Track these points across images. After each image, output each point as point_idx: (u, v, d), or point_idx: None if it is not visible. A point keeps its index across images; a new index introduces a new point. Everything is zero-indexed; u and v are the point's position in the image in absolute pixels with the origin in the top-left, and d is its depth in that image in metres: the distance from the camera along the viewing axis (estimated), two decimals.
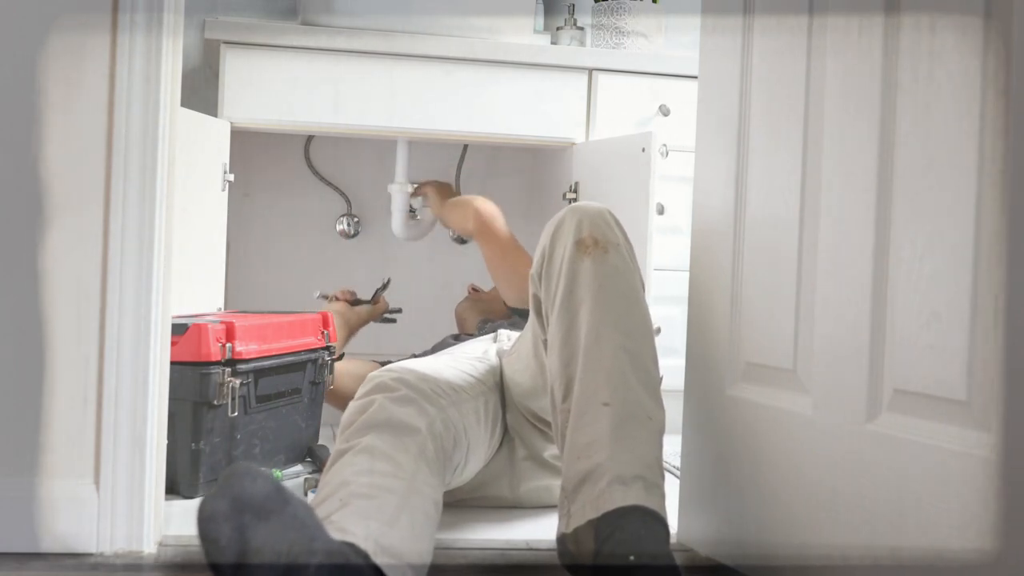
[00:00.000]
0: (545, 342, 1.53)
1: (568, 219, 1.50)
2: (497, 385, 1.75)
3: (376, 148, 2.79)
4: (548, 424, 1.75)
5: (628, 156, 2.21)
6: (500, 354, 1.86)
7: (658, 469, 1.36)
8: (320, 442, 2.16)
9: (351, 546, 1.20)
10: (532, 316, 1.58)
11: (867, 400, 1.26)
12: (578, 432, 1.38)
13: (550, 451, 1.80)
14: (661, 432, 1.41)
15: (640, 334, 1.44)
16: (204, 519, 1.09)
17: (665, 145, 2.11)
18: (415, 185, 2.62)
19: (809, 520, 1.35)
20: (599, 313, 1.43)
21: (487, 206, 2.31)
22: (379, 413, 1.44)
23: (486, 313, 2.45)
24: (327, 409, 2.22)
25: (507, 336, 2.06)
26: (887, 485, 1.22)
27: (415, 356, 2.25)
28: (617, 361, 1.40)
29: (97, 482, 1.46)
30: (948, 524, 1.13)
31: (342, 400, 2.27)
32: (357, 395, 1.52)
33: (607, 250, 1.46)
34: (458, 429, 1.53)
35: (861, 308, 1.27)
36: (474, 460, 1.64)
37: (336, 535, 1.19)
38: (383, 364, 2.34)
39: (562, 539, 1.38)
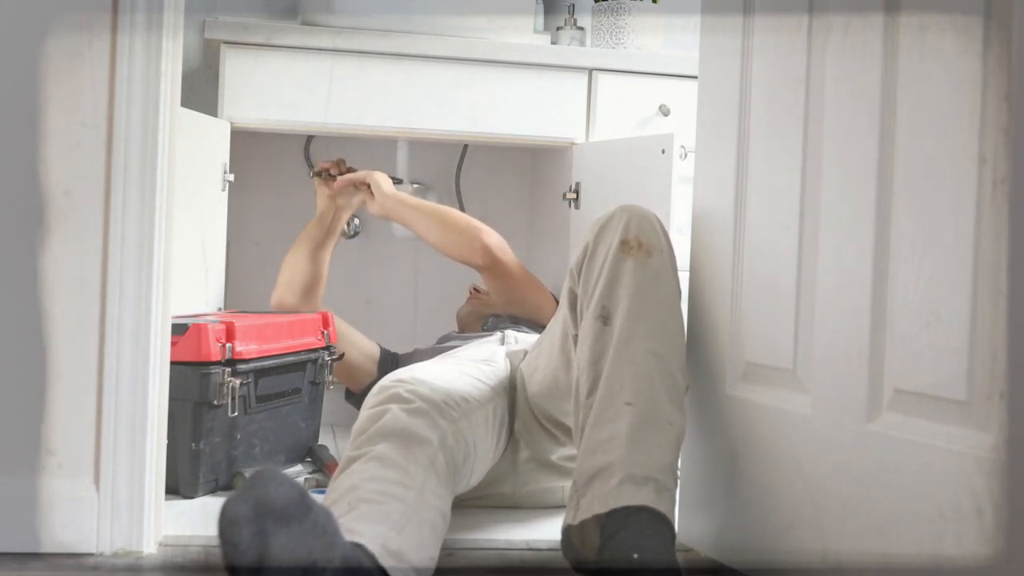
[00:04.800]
0: (575, 337, 1.53)
1: (616, 218, 1.51)
2: (505, 389, 1.75)
3: (376, 148, 2.78)
4: (560, 427, 1.75)
5: (643, 157, 2.21)
6: (510, 356, 1.86)
7: (671, 474, 1.37)
8: (320, 442, 2.16)
9: (360, 547, 1.20)
10: (565, 310, 1.58)
11: (867, 400, 1.26)
12: (598, 428, 1.39)
13: (558, 454, 1.80)
14: (679, 439, 1.42)
15: (672, 341, 1.46)
16: (226, 522, 1.08)
17: (684, 147, 2.11)
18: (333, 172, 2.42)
19: (809, 520, 1.35)
20: (635, 316, 1.44)
21: (494, 238, 2.26)
22: (392, 423, 1.45)
23: (488, 316, 2.45)
24: (327, 409, 2.22)
25: (515, 338, 2.06)
26: (887, 485, 1.22)
27: (418, 350, 2.25)
28: (645, 364, 1.41)
29: (97, 482, 1.46)
30: (947, 524, 1.13)
31: (340, 369, 2.27)
32: (370, 403, 1.52)
33: (650, 254, 1.47)
34: (468, 442, 1.54)
35: (861, 308, 1.27)
36: (480, 468, 1.64)
37: (345, 536, 1.20)
38: (384, 351, 2.35)
39: (567, 531, 1.38)
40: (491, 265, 2.25)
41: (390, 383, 1.55)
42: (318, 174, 2.42)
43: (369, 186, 2.36)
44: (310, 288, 2.32)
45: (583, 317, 1.50)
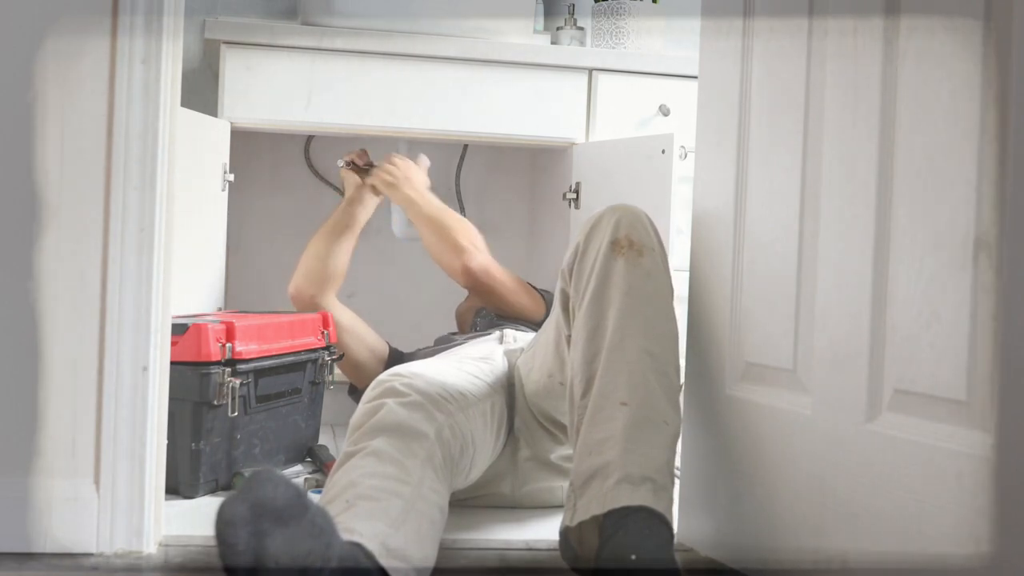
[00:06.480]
0: (569, 338, 1.53)
1: (606, 218, 1.51)
2: (503, 387, 1.75)
3: (376, 148, 2.78)
4: (559, 426, 1.76)
5: (643, 157, 2.21)
6: (508, 354, 1.86)
7: (668, 473, 1.37)
8: (320, 442, 2.16)
9: (359, 547, 1.20)
10: (558, 311, 1.58)
11: (867, 400, 1.26)
12: (593, 428, 1.39)
13: (557, 453, 1.80)
14: (676, 438, 1.42)
15: (665, 340, 1.45)
16: (223, 523, 1.08)
17: (684, 147, 2.11)
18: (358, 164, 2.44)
19: (808, 520, 1.35)
20: (627, 315, 1.44)
21: (477, 261, 2.21)
22: (388, 417, 1.45)
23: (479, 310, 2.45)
24: (327, 409, 2.22)
25: (513, 337, 2.06)
26: (887, 485, 1.22)
27: (420, 350, 2.26)
28: (640, 363, 1.41)
29: (97, 482, 1.46)
30: (947, 524, 1.13)
31: (347, 365, 2.27)
32: (366, 398, 1.52)
33: (641, 253, 1.47)
34: (465, 435, 1.54)
35: (861, 308, 1.27)
36: (479, 464, 1.64)
37: (343, 535, 1.20)
38: (392, 350, 2.35)
39: (565, 533, 1.38)
40: (471, 287, 2.25)
41: (387, 377, 1.55)
42: (348, 163, 2.42)
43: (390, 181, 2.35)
44: (329, 279, 2.31)
45: (575, 317, 1.50)
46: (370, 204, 2.41)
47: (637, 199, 2.04)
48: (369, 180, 2.39)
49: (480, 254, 2.23)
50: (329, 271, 2.31)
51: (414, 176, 2.37)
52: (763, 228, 1.48)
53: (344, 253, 2.34)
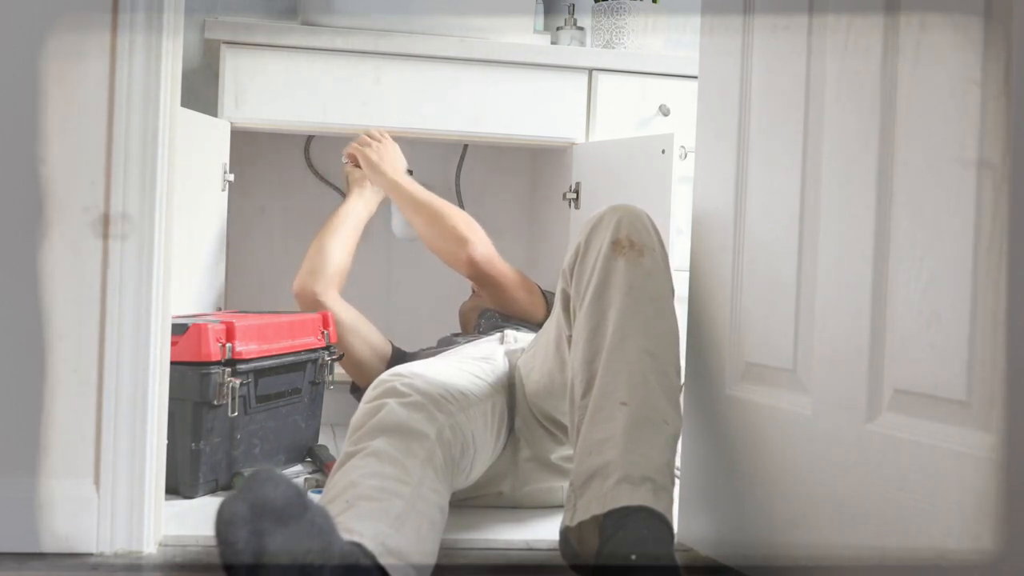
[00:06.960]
0: (569, 338, 1.53)
1: (607, 218, 1.51)
2: (504, 387, 1.75)
3: None
4: (559, 426, 1.76)
5: (643, 157, 2.21)
6: (509, 355, 1.86)
7: (668, 473, 1.37)
8: (320, 442, 2.16)
9: (359, 546, 1.20)
10: (558, 311, 1.58)
11: (867, 400, 1.26)
12: (593, 428, 1.39)
13: (558, 453, 1.80)
14: (676, 438, 1.42)
15: (665, 340, 1.45)
16: (223, 522, 1.08)
17: (684, 147, 2.11)
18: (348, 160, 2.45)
19: (809, 520, 1.35)
20: (627, 315, 1.44)
21: (480, 250, 2.21)
22: (389, 417, 1.45)
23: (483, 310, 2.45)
24: (327, 409, 2.22)
25: (514, 337, 2.07)
26: (887, 485, 1.22)
27: (423, 350, 2.26)
28: (640, 363, 1.41)
29: (97, 482, 1.46)
30: (948, 524, 1.13)
31: (349, 364, 2.27)
32: (367, 398, 1.52)
33: (642, 253, 1.47)
34: (466, 436, 1.54)
35: (861, 308, 1.27)
36: (480, 464, 1.64)
37: (343, 535, 1.20)
38: (395, 349, 2.35)
39: (565, 533, 1.38)
40: (475, 277, 2.24)
41: (388, 377, 1.55)
42: (351, 158, 2.42)
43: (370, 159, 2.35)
44: (333, 277, 2.30)
45: (576, 317, 1.50)
46: (373, 200, 2.41)
47: (637, 199, 2.04)
48: (348, 150, 2.38)
49: (482, 245, 2.22)
50: (333, 268, 2.31)
51: (396, 156, 2.37)
52: (763, 228, 1.48)
53: (348, 250, 2.34)
